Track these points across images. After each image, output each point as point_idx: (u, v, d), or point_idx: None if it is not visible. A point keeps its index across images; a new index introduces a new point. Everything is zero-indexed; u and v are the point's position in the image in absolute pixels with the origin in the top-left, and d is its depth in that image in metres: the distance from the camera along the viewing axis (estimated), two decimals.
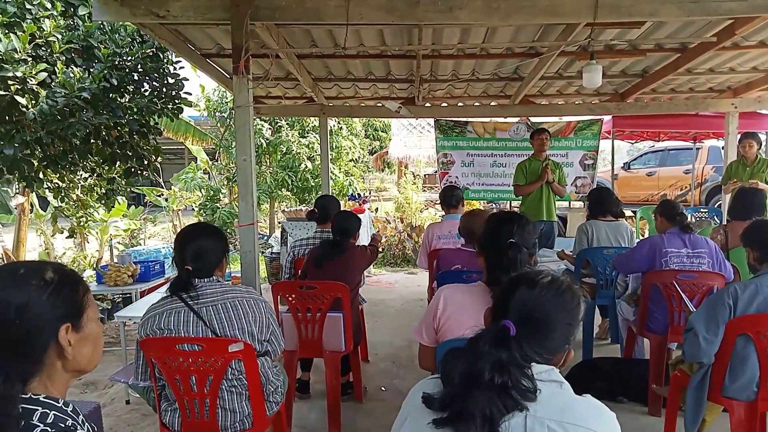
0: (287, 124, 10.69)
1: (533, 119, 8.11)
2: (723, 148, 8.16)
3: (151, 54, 5.23)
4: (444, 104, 7.82)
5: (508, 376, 1.09)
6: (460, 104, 7.78)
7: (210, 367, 2.06)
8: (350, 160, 13.53)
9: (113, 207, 5.79)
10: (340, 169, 11.70)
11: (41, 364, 1.06)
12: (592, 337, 4.23)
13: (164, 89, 5.50)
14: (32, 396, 1.02)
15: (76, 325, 1.10)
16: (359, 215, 6.87)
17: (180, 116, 9.31)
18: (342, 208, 3.97)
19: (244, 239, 3.99)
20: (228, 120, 10.44)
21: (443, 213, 10.57)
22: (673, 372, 2.79)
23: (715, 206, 9.35)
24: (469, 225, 3.38)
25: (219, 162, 11.51)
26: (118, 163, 5.22)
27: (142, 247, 6.43)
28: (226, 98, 10.39)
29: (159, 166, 10.83)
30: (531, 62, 5.75)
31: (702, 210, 7.88)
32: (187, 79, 5.62)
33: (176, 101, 5.58)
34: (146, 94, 5.38)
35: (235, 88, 3.95)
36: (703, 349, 2.37)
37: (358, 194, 13.95)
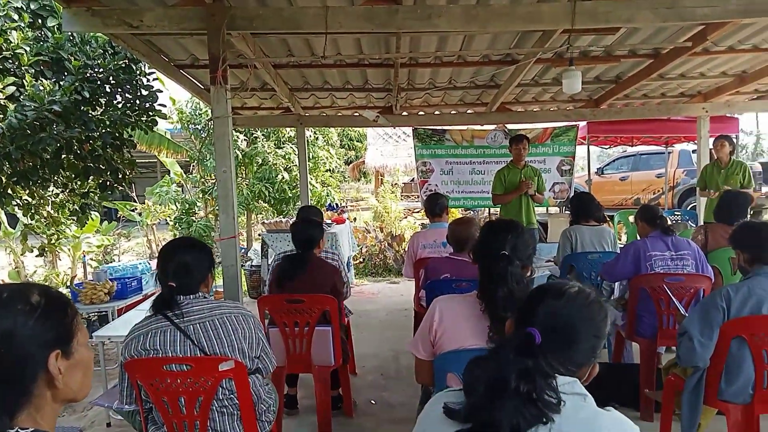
0: (263, 135, 10.58)
1: (510, 126, 8.17)
2: (694, 151, 8.33)
3: (123, 65, 5.11)
4: (421, 113, 7.83)
5: (534, 385, 1.05)
6: (437, 112, 7.80)
7: (200, 388, 1.97)
8: (327, 170, 13.46)
9: (86, 223, 5.61)
10: (317, 179, 11.62)
11: (29, 395, 0.98)
12: None
13: (137, 101, 5.38)
14: (19, 430, 0.93)
15: (66, 352, 1.02)
16: (340, 225, 6.87)
17: (154, 129, 9.15)
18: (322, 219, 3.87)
19: (225, 253, 3.89)
20: (201, 132, 10.29)
21: (423, 222, 10.59)
22: (667, 376, 2.79)
23: (688, 209, 9.53)
24: (458, 233, 3.35)
25: (193, 175, 11.31)
26: (91, 177, 5.07)
27: (118, 264, 6.24)
28: (200, 110, 10.24)
29: (132, 180, 10.66)
30: (508, 70, 5.78)
31: (676, 213, 8.01)
32: (161, 91, 5.50)
33: (150, 113, 5.46)
34: (119, 106, 5.25)
35: (213, 98, 3.87)
36: (698, 353, 2.37)
37: (336, 204, 13.90)
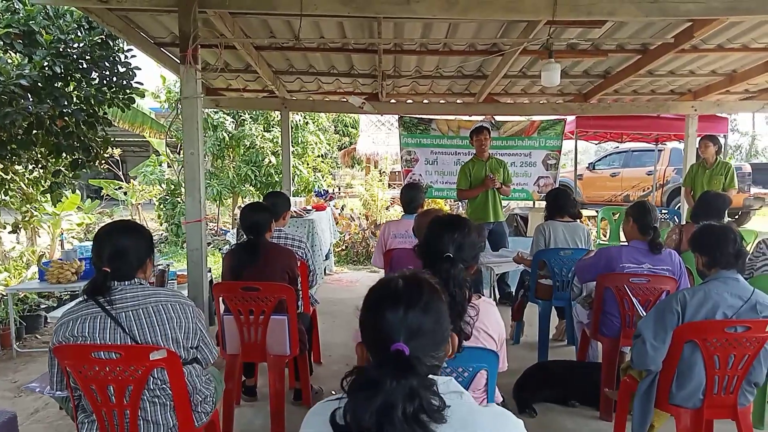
0: (251, 117, 10.46)
1: (498, 118, 8.08)
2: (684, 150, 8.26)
3: (99, 41, 5.00)
4: (410, 101, 7.73)
5: (421, 401, 1.00)
6: (426, 101, 7.70)
7: (129, 377, 1.90)
8: (318, 156, 13.33)
9: (59, 201, 5.52)
10: (307, 164, 11.52)
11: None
12: (547, 338, 4.19)
13: (114, 78, 5.27)
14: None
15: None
16: (320, 212, 6.80)
17: (136, 107, 9.01)
18: (290, 206, 3.78)
19: (191, 236, 3.82)
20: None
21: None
22: (623, 378, 2.75)
23: (676, 207, 9.49)
24: (424, 225, 3.28)
25: (180, 155, 11.20)
26: (64, 154, 4.98)
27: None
28: None
29: (119, 158, 10.53)
30: (494, 60, 5.69)
31: (663, 212, 7.97)
32: (139, 68, 5.40)
33: (127, 91, 5.36)
34: (95, 83, 5.14)
35: (182, 78, 3.78)
36: (650, 356, 2.32)
37: (325, 191, 13.80)
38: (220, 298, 3.00)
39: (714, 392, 2.29)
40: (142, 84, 5.44)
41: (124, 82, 5.31)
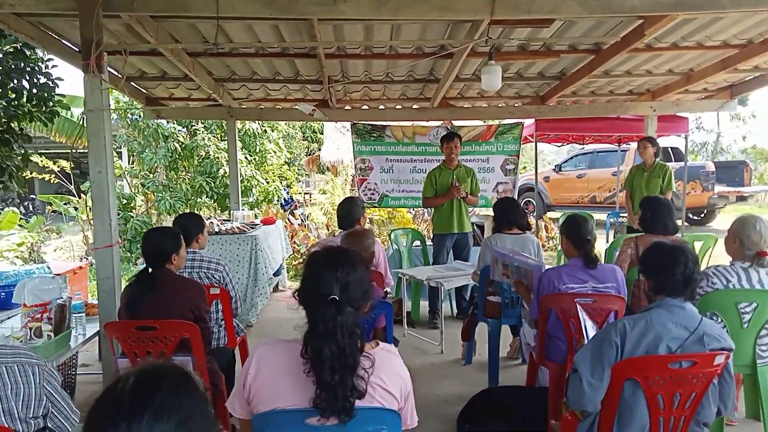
0: (204, 127, 10.06)
1: (455, 122, 7.84)
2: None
3: (12, 51, 4.60)
4: (365, 107, 7.44)
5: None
6: (381, 107, 7.42)
7: None
8: (284, 163, 12.93)
9: None
10: (268, 173, 11.13)
11: None
12: (497, 360, 3.92)
13: (35, 90, 4.86)
14: None
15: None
16: (268, 226, 6.43)
17: (77, 120, 8.55)
18: (206, 227, 3.43)
19: (101, 264, 3.48)
20: (139, 122, 9.71)
21: (372, 217, 10.20)
22: (564, 414, 2.47)
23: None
24: (353, 247, 2.97)
25: (132, 167, 10.76)
26: None
27: (16, 268, 5.73)
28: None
29: (70, 172, 10.02)
30: (444, 62, 5.44)
31: (622, 215, 7.80)
32: (62, 79, 5.00)
33: (49, 104, 4.95)
34: (12, 96, 4.73)
35: (85, 89, 3.44)
36: (586, 395, 2.05)
37: (290, 199, 13.40)
38: (113, 340, 2.64)
39: None
40: (64, 96, 5.03)
41: (45, 94, 4.91)
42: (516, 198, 7.63)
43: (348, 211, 3.93)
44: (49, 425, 1.77)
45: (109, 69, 4.84)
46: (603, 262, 3.19)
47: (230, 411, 1.66)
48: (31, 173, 8.93)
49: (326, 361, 1.48)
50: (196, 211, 10.86)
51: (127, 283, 2.73)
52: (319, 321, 1.52)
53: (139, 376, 0.89)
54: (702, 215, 12.26)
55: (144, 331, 2.53)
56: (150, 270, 2.70)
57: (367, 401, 1.55)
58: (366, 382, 1.54)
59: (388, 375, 1.61)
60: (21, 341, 2.96)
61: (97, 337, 3.39)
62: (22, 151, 4.87)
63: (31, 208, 16.29)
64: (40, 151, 10.31)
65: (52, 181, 10.30)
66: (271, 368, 1.59)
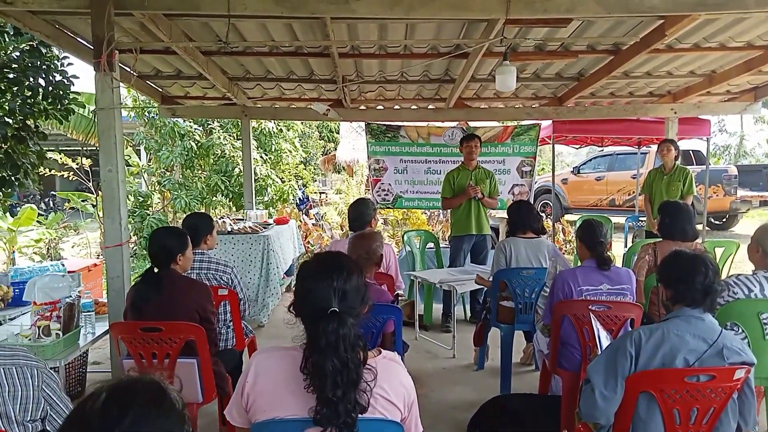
0: (220, 125, 10.09)
1: (471, 123, 7.75)
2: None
3: (28, 49, 4.63)
4: (380, 107, 7.39)
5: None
6: (396, 107, 7.36)
7: None
8: (300, 163, 12.92)
9: None
10: (284, 173, 11.13)
11: None
12: (510, 367, 3.84)
13: (50, 88, 4.89)
14: None
15: None
16: (281, 226, 6.41)
17: (89, 116, 8.60)
18: (215, 228, 3.39)
19: (111, 263, 3.48)
20: (156, 119, 9.76)
21: (387, 218, 10.14)
22: (577, 425, 2.39)
23: None
24: (358, 248, 2.93)
25: (149, 166, 10.83)
26: None
27: (31, 265, 5.77)
28: None
29: (89, 169, 10.13)
30: (460, 62, 5.37)
31: (642, 219, 7.65)
32: (77, 77, 5.03)
33: (65, 101, 4.98)
34: (28, 93, 4.76)
35: (96, 87, 3.44)
36: (599, 407, 1.98)
37: (306, 198, 13.38)
38: (119, 340, 2.62)
39: None
40: (79, 94, 5.06)
41: (61, 92, 4.94)
42: (533, 200, 7.55)
43: (360, 213, 3.89)
44: (48, 429, 1.74)
45: (123, 67, 4.89)
46: (621, 266, 3.14)
47: (228, 419, 1.62)
48: (50, 170, 9.03)
49: (328, 376, 1.42)
50: (211, 210, 10.93)
51: (133, 283, 2.71)
52: (320, 335, 1.46)
53: (111, 393, 0.85)
54: (724, 220, 12.01)
55: (149, 333, 2.50)
56: (156, 270, 2.67)
57: (369, 412, 1.50)
58: (368, 397, 1.48)
59: (390, 385, 1.55)
60: (30, 339, 2.96)
61: (107, 336, 3.39)
62: (38, 149, 4.90)
63: (51, 205, 16.54)
64: (61, 149, 10.45)
65: (71, 179, 10.41)
66: (269, 377, 1.54)
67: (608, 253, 3.06)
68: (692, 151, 11.72)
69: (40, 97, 4.78)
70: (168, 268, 2.66)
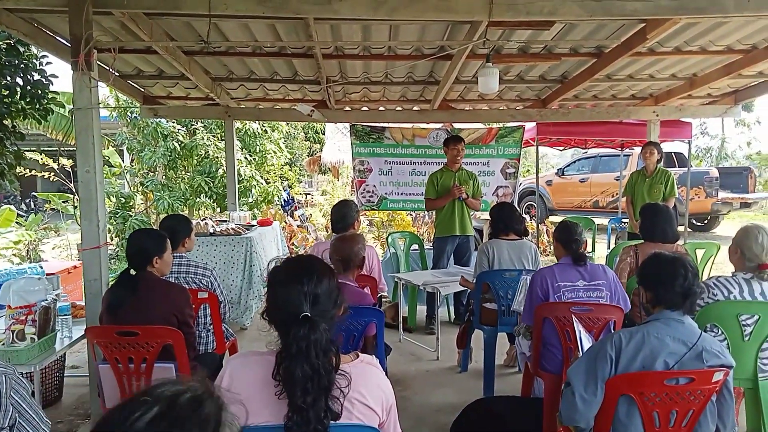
0: (203, 126, 10.01)
1: (455, 125, 7.75)
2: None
3: (6, 47, 4.54)
4: (365, 108, 7.37)
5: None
6: (381, 108, 7.35)
7: None
8: (285, 164, 12.85)
9: None
10: (269, 174, 11.06)
11: None
12: (493, 369, 3.84)
13: (28, 87, 4.80)
14: None
15: None
16: (264, 228, 6.36)
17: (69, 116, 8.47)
18: (193, 230, 3.35)
19: (88, 265, 3.41)
20: (138, 120, 9.65)
21: (372, 219, 10.11)
22: (558, 429, 2.39)
23: None
24: (341, 251, 2.91)
25: (132, 166, 10.70)
26: None
27: (10, 267, 5.65)
28: None
29: (71, 170, 9.99)
30: (444, 64, 5.37)
31: (624, 220, 7.71)
32: (56, 76, 4.94)
33: (43, 101, 4.89)
34: (5, 93, 4.68)
35: (74, 86, 3.37)
36: (579, 410, 1.97)
37: (291, 200, 13.31)
38: (94, 345, 2.57)
39: None
40: (58, 94, 4.98)
41: (39, 92, 4.85)
42: (517, 202, 7.57)
43: (342, 215, 3.87)
44: None
45: (103, 66, 4.81)
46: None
47: None
48: (31, 171, 8.89)
49: (298, 382, 1.41)
50: (194, 211, 10.83)
51: (108, 286, 2.65)
52: (291, 342, 1.44)
53: (161, 413, 0.82)
54: (705, 221, 12.16)
55: (125, 337, 2.45)
56: (132, 272, 2.62)
57: (345, 418, 1.48)
58: (341, 403, 1.46)
59: (367, 389, 1.53)
60: (3, 344, 2.89)
61: (85, 340, 3.32)
62: (15, 149, 4.81)
63: (32, 206, 16.28)
64: (42, 149, 10.29)
65: (52, 179, 10.26)
66: (244, 382, 1.51)
67: (582, 251, 3.10)
68: (674, 153, 11.85)
69: (18, 97, 4.70)
70: (145, 270, 2.61)
